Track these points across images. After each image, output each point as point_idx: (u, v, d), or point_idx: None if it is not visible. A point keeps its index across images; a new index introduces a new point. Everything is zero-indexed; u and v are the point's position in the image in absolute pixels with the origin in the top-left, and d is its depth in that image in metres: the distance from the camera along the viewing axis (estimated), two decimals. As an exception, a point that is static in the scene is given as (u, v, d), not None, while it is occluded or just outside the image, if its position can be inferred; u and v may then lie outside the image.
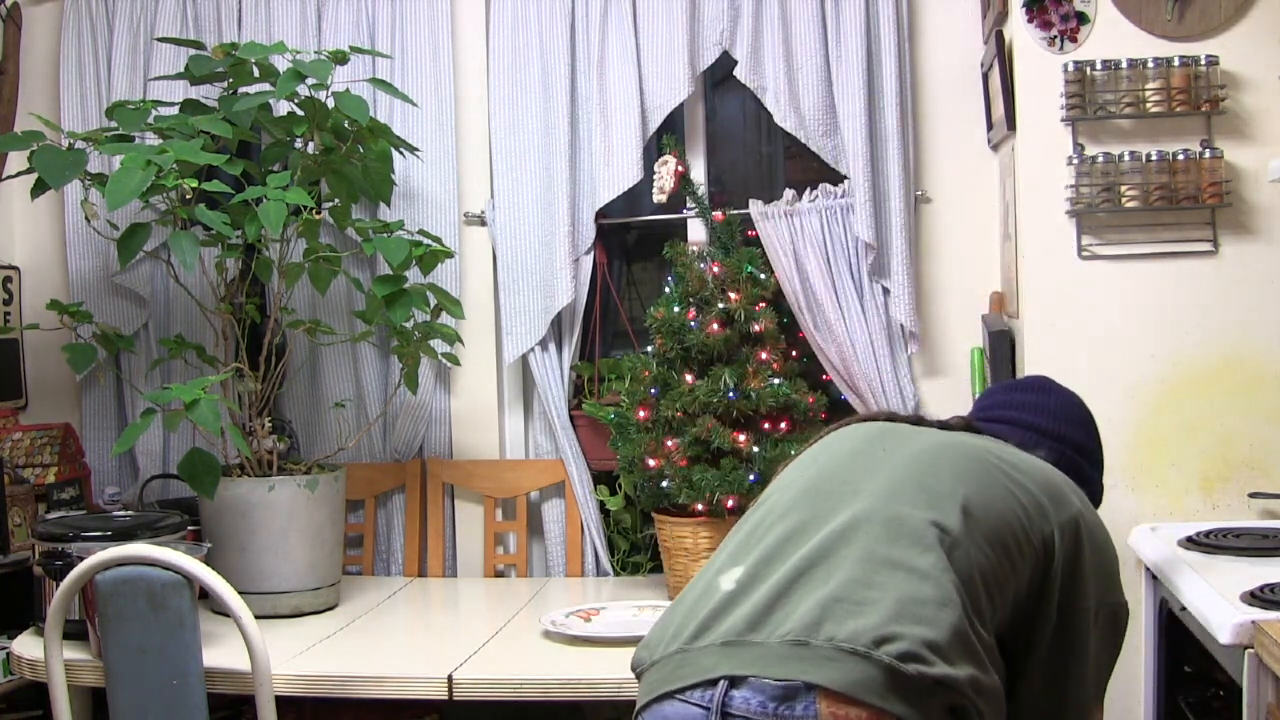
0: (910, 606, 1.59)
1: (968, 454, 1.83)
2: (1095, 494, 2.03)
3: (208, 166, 2.80)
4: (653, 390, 3.00)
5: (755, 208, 3.21)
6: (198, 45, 3.23)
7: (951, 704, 1.57)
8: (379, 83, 3.12)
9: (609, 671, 2.43)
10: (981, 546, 1.69)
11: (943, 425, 2.00)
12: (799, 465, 1.91)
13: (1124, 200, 2.83)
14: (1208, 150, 2.80)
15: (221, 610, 2.41)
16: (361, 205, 3.29)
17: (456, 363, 3.27)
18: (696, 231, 3.38)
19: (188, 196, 2.76)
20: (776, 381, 2.95)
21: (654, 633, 1.74)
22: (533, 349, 3.32)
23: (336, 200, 3.08)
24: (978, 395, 2.21)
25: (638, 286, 3.67)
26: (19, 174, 2.98)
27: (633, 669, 1.74)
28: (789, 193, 3.23)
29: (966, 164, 3.26)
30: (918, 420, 2.00)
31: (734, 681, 1.58)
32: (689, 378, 2.95)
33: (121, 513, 2.98)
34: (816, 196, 3.21)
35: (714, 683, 1.58)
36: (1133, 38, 2.86)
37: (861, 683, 1.53)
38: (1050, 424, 2.04)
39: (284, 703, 2.45)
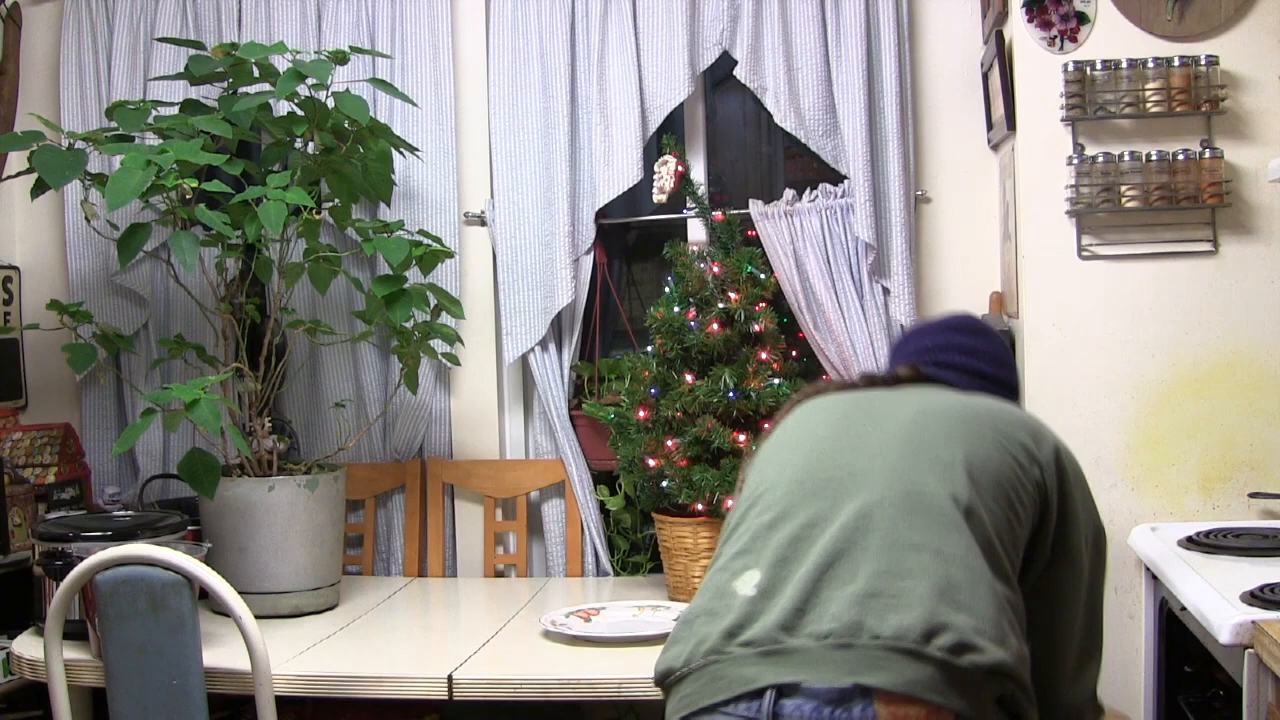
0: (948, 593, 1.56)
1: (952, 415, 1.80)
2: None
3: (208, 166, 2.80)
4: (653, 390, 3.00)
5: (755, 208, 3.21)
6: (198, 45, 3.23)
7: (1002, 692, 1.55)
8: (379, 83, 3.12)
9: (609, 671, 2.43)
10: (991, 507, 1.67)
11: (895, 379, 1.94)
12: (777, 454, 1.83)
13: (1124, 200, 2.83)
14: (1208, 150, 2.80)
15: (221, 610, 2.41)
16: (361, 205, 3.29)
17: (456, 363, 3.27)
18: (696, 231, 3.38)
19: (188, 196, 2.76)
20: (776, 381, 2.95)
21: (674, 645, 1.67)
22: (533, 349, 3.32)
23: (336, 200, 3.08)
24: (904, 334, 2.15)
25: (638, 286, 3.67)
26: (19, 174, 2.98)
27: (658, 684, 1.68)
28: (789, 193, 3.23)
29: (966, 164, 3.26)
30: (871, 381, 1.94)
31: (782, 690, 1.54)
32: (689, 378, 2.95)
33: (121, 513, 2.98)
34: (816, 196, 3.21)
35: (760, 693, 1.54)
36: (1133, 38, 2.86)
37: (917, 681, 1.50)
38: (994, 369, 2.02)
39: (284, 703, 2.45)
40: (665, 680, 1.66)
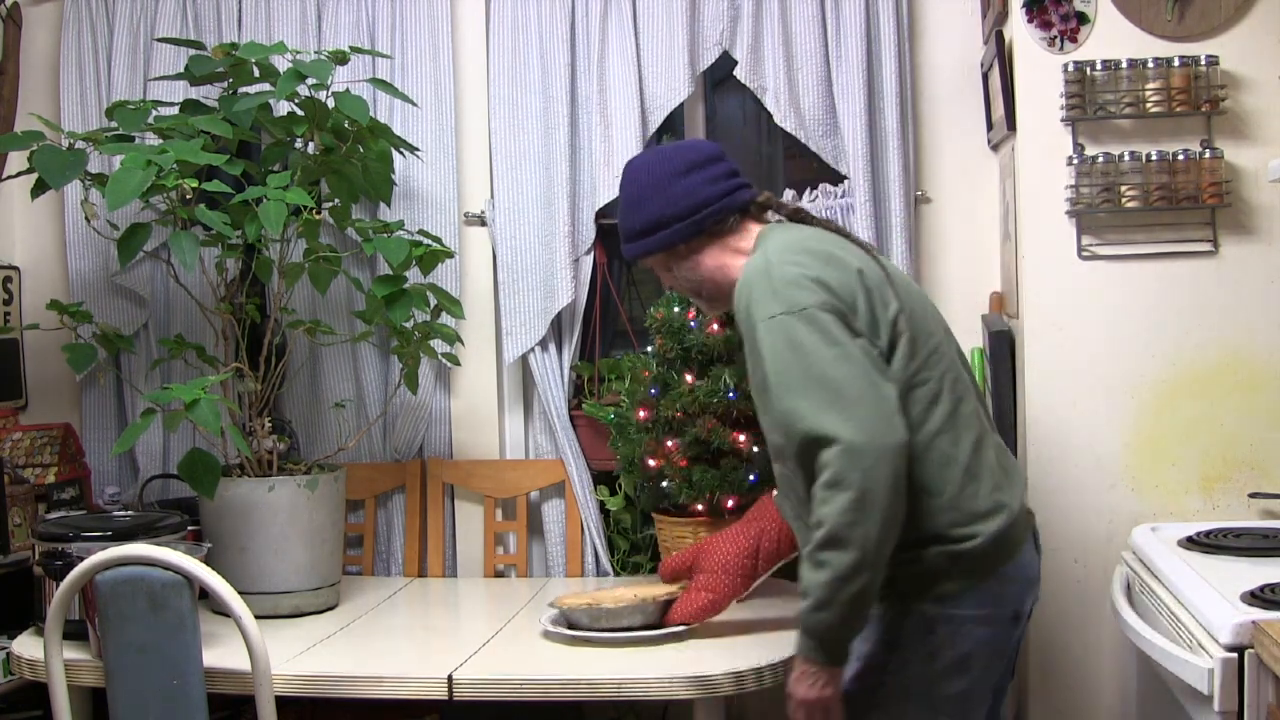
0: None
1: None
2: None
3: (208, 166, 2.80)
4: (653, 390, 3.00)
5: (755, 208, 3.21)
6: (198, 45, 3.23)
7: None
8: (379, 83, 3.12)
9: (609, 671, 2.43)
10: None
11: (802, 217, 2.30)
12: (919, 332, 2.12)
13: (1124, 200, 2.83)
14: (1208, 150, 2.80)
15: (221, 610, 2.41)
16: (361, 205, 3.29)
17: (456, 363, 3.27)
18: (696, 231, 3.38)
19: (188, 196, 2.76)
20: (776, 381, 2.95)
21: (991, 516, 2.06)
22: (533, 349, 3.32)
23: (336, 200, 3.08)
24: (688, 158, 2.28)
25: (638, 286, 3.66)
26: (19, 174, 2.98)
27: (993, 541, 2.05)
28: (789, 193, 3.23)
29: (966, 164, 3.26)
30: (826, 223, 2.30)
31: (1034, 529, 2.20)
32: (689, 378, 2.95)
33: (121, 513, 2.98)
34: (816, 196, 3.21)
35: (1035, 531, 2.19)
36: (1133, 38, 2.86)
37: None
38: None
39: (284, 703, 2.45)
40: (1005, 531, 2.07)
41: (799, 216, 2.29)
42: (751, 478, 2.86)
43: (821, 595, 1.94)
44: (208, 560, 2.53)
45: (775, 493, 2.49)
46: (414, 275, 3.06)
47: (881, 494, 1.90)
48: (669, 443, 2.92)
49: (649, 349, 3.08)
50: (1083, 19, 2.88)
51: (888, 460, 1.90)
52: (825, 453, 1.91)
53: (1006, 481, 2.12)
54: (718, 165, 2.25)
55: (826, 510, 1.91)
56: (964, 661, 2.05)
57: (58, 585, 2.44)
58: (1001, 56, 2.96)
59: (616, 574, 3.35)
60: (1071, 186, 2.85)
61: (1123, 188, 2.83)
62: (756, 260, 2.12)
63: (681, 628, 2.61)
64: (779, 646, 2.43)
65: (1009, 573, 2.07)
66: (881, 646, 2.08)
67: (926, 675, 2.05)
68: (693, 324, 2.97)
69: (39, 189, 2.91)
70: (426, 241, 3.06)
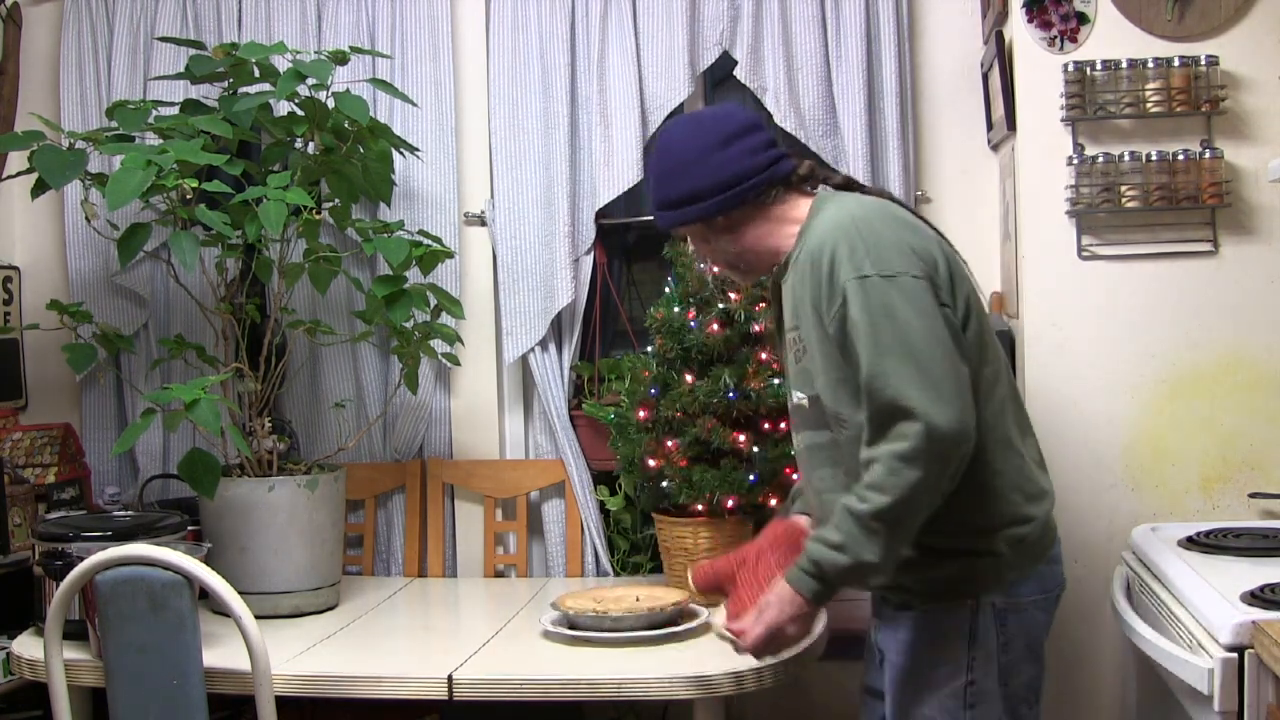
0: None
1: None
2: None
3: (208, 166, 2.80)
4: (653, 390, 3.00)
5: (755, 208, 3.21)
6: (198, 45, 3.23)
7: None
8: (379, 83, 3.12)
9: (609, 671, 2.43)
10: None
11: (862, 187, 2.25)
12: (983, 319, 2.11)
13: (1124, 200, 2.83)
14: (1208, 150, 2.80)
15: (221, 610, 2.41)
16: (361, 205, 3.30)
17: (456, 363, 3.27)
18: (696, 231, 3.38)
19: (188, 196, 2.76)
20: (776, 381, 2.94)
21: (1042, 499, 2.13)
22: (533, 349, 3.32)
23: (336, 200, 3.08)
24: (734, 127, 2.17)
25: (638, 286, 3.66)
26: (19, 174, 2.98)
27: (1040, 530, 2.10)
28: (790, 192, 3.22)
29: (966, 164, 3.26)
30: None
31: None
32: (689, 378, 2.95)
33: (121, 513, 2.98)
34: (816, 196, 3.21)
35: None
36: (1133, 38, 2.86)
37: None
38: None
39: (284, 703, 2.44)
40: (1050, 515, 2.15)
41: (851, 186, 2.22)
42: (751, 478, 2.86)
43: (862, 556, 1.93)
44: (208, 560, 2.53)
45: (798, 480, 2.33)
46: (414, 275, 3.06)
47: (943, 482, 1.94)
48: (669, 443, 2.92)
49: (649, 349, 3.08)
50: (1083, 19, 2.88)
51: (960, 450, 1.93)
52: (906, 424, 1.91)
53: (1041, 465, 2.18)
54: (756, 135, 2.16)
55: (895, 480, 1.91)
56: (1031, 648, 2.11)
57: (58, 585, 2.44)
58: (1001, 56, 2.96)
59: (616, 574, 3.35)
60: (1071, 186, 2.85)
61: (1123, 188, 2.83)
62: (836, 217, 2.06)
63: (686, 626, 2.61)
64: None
65: (1054, 555, 2.15)
66: (963, 646, 2.07)
67: (1004, 667, 2.08)
68: (693, 324, 2.97)
69: (39, 189, 2.91)
70: (426, 241, 3.06)
